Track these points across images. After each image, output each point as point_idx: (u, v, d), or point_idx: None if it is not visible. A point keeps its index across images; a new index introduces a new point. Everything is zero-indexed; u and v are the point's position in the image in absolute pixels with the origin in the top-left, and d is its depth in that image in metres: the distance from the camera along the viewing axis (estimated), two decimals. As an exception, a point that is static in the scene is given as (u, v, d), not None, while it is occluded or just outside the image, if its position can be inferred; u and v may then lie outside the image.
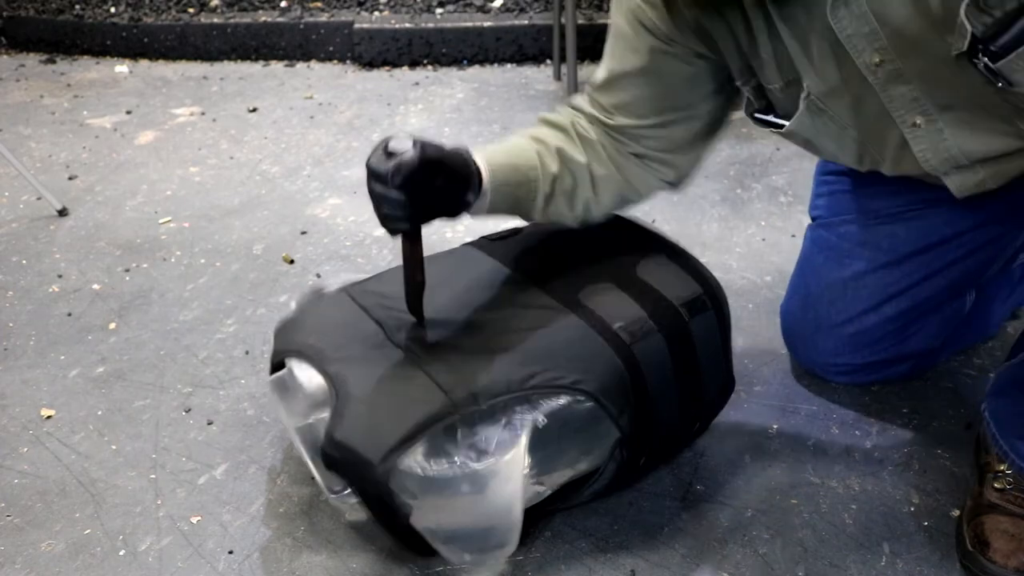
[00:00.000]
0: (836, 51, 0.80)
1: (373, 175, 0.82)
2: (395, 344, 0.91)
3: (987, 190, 0.90)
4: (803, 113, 0.88)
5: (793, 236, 1.53)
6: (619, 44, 0.94)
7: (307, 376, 0.92)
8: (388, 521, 0.87)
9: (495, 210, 0.93)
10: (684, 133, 0.97)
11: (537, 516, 0.93)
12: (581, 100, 1.00)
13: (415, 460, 0.80)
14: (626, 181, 0.98)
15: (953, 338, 1.14)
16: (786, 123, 0.90)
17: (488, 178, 0.89)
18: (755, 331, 1.27)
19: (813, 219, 1.16)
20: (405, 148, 0.81)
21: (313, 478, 1.00)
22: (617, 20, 0.94)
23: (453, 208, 0.88)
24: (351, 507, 0.96)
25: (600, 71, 0.97)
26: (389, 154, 0.81)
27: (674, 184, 1.02)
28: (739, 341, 1.24)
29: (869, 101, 0.83)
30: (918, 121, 0.83)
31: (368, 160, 0.83)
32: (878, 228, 1.06)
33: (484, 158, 0.90)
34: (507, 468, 0.81)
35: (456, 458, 0.81)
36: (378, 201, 0.83)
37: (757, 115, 0.94)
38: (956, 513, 0.94)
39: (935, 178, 0.91)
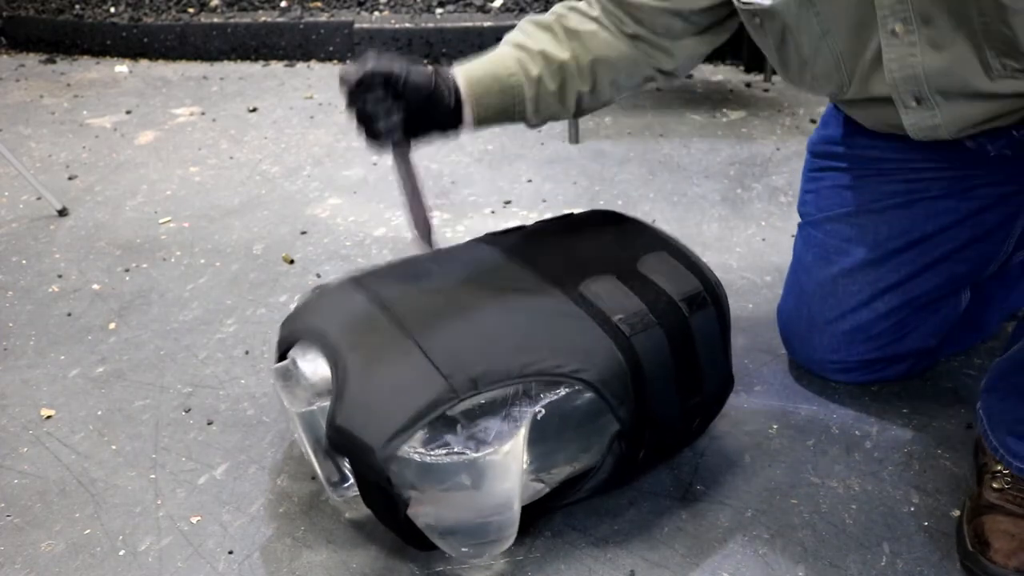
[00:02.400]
0: None
1: (343, 84, 0.89)
2: (396, 325, 0.91)
3: (941, 138, 0.92)
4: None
5: (793, 236, 1.53)
6: None
7: (310, 366, 0.92)
8: (387, 512, 0.88)
9: (485, 119, 0.97)
10: (685, 21, 0.98)
11: (536, 513, 0.93)
12: None
13: (414, 448, 0.81)
14: (619, 64, 1.00)
15: (951, 338, 1.14)
16: (772, 1, 0.91)
17: (466, 89, 0.94)
18: (755, 331, 1.27)
19: (801, 216, 1.16)
20: (366, 57, 0.90)
21: (314, 477, 1.00)
22: None
23: (435, 118, 0.93)
24: (350, 502, 0.96)
25: None
26: (359, 60, 0.89)
27: (667, 73, 1.04)
28: (739, 341, 1.24)
29: (856, 3, 0.85)
30: (897, 29, 0.84)
31: (339, 71, 0.90)
32: (863, 224, 1.07)
33: (462, 71, 0.95)
34: (505, 459, 0.81)
35: (455, 447, 0.81)
36: (349, 102, 0.90)
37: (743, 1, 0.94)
38: (956, 513, 0.94)
39: (895, 115, 0.92)
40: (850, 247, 1.07)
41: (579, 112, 1.04)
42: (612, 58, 1.00)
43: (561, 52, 0.97)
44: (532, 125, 1.03)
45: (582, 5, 1.01)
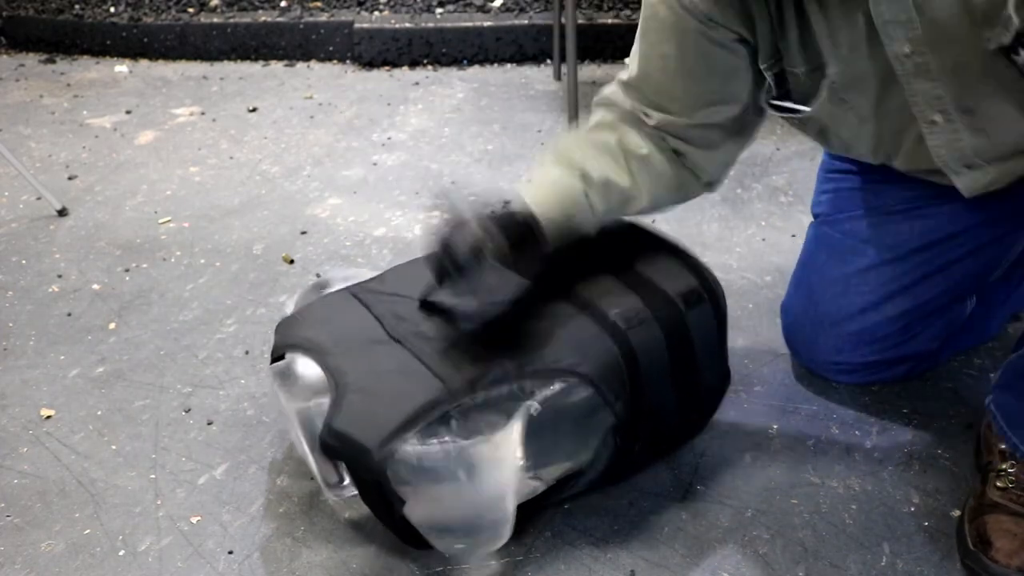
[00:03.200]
0: (868, 38, 0.81)
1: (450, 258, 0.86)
2: (394, 339, 0.92)
3: (995, 189, 0.90)
4: (824, 100, 0.88)
5: (793, 236, 1.53)
6: (653, 29, 0.92)
7: (307, 366, 0.93)
8: (383, 511, 0.88)
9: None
10: (717, 131, 0.96)
11: (534, 511, 0.93)
12: (618, 94, 0.97)
13: (409, 445, 0.81)
14: (673, 186, 0.99)
15: (953, 341, 1.14)
16: (806, 108, 0.90)
17: (546, 236, 0.92)
18: (755, 331, 1.27)
19: (815, 216, 1.16)
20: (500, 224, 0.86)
21: (312, 477, 1.00)
22: (653, 4, 0.91)
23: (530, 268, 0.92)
24: (349, 502, 0.96)
25: (631, 64, 0.96)
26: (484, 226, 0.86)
27: (710, 186, 1.02)
28: (739, 341, 1.24)
29: (892, 95, 0.84)
30: (937, 119, 0.84)
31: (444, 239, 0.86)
32: (883, 224, 1.06)
33: (537, 208, 0.91)
34: (499, 451, 0.81)
35: (448, 438, 0.81)
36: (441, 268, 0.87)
37: (775, 101, 0.93)
38: (956, 513, 0.94)
39: (944, 176, 0.91)
40: (866, 248, 1.07)
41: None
42: (666, 180, 0.98)
43: (623, 180, 0.95)
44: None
45: (631, 124, 0.97)
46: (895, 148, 0.91)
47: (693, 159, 0.98)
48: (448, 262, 0.85)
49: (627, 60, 0.98)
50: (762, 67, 0.91)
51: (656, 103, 0.94)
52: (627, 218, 1.10)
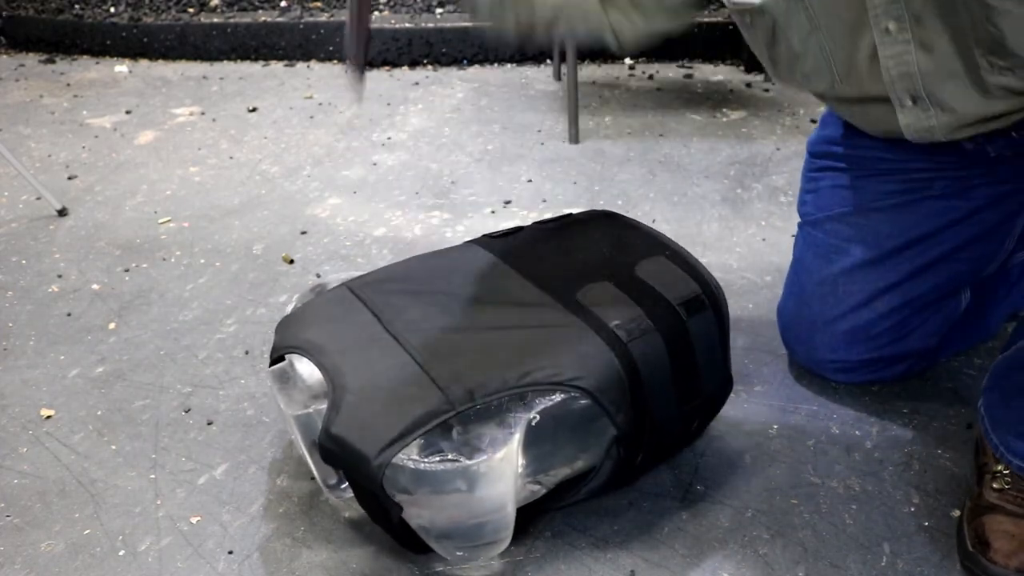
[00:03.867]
0: None
1: None
2: (392, 336, 0.91)
3: (936, 140, 0.92)
4: None
5: (793, 236, 1.53)
6: None
7: (307, 368, 0.93)
8: (382, 517, 0.88)
9: None
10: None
11: (534, 514, 0.93)
12: None
13: (409, 455, 0.81)
14: (582, 15, 0.98)
15: (951, 339, 1.14)
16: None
17: None
18: (755, 331, 1.27)
19: (801, 216, 1.16)
20: None
21: (313, 477, 1.00)
22: None
23: None
24: (349, 502, 0.96)
25: None
26: None
27: (618, 41, 1.01)
28: (739, 341, 1.24)
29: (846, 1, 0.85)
30: (891, 27, 0.85)
31: None
32: (863, 223, 1.07)
33: None
34: (500, 465, 0.81)
35: (450, 454, 0.81)
36: None
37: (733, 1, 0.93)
38: (957, 513, 0.94)
39: (890, 114, 0.92)
40: (850, 247, 1.07)
41: (527, 33, 0.99)
42: (581, 7, 0.97)
43: None
44: (476, 9, 0.98)
45: None
46: (844, 65, 0.91)
47: (621, 8, 0.97)
48: None
49: None
50: None
51: None
52: (626, 217, 1.11)
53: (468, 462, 0.80)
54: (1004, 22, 0.79)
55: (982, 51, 0.82)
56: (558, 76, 2.41)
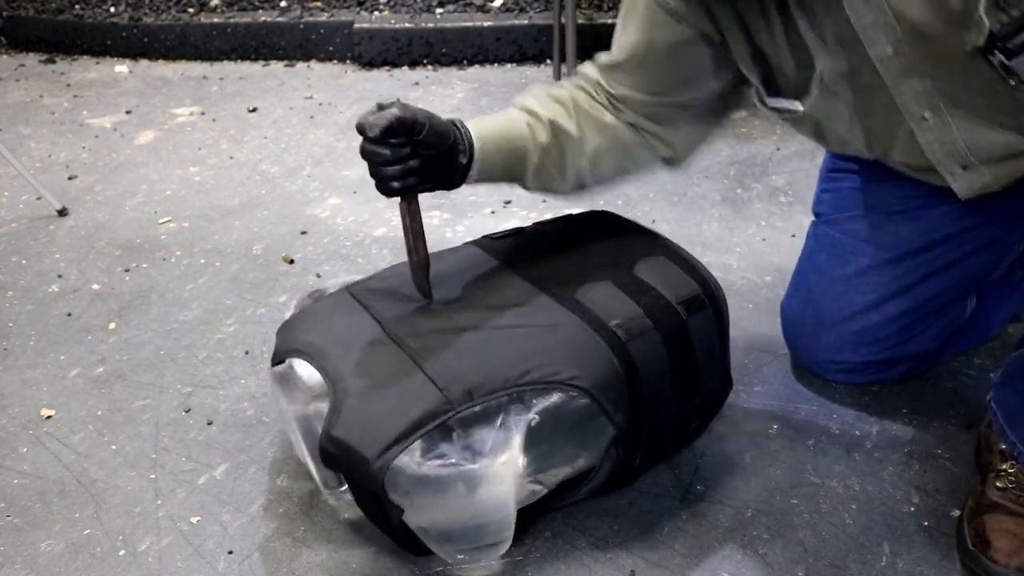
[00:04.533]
0: (851, 41, 0.81)
1: (363, 130, 0.86)
2: (392, 339, 0.91)
3: (991, 192, 0.90)
4: (816, 96, 0.88)
5: (793, 236, 1.53)
6: (629, 18, 0.95)
7: (307, 370, 0.93)
8: (382, 519, 0.88)
9: (487, 177, 0.96)
10: (681, 113, 0.98)
11: (534, 514, 0.93)
12: (588, 66, 1.01)
13: (410, 458, 0.81)
14: (622, 151, 1.00)
15: (953, 341, 1.14)
16: (798, 106, 0.91)
17: (478, 146, 0.92)
18: (755, 331, 1.27)
19: (816, 215, 1.16)
20: (391, 103, 0.86)
21: (313, 477, 1.00)
22: None
23: (446, 172, 0.91)
24: (347, 503, 0.96)
25: (614, 42, 0.99)
26: (379, 107, 0.86)
27: (669, 163, 1.03)
28: (739, 341, 1.24)
29: (880, 93, 0.84)
30: (927, 115, 0.84)
31: (359, 120, 0.87)
32: (882, 224, 1.06)
33: (474, 126, 0.93)
34: (501, 468, 0.81)
35: (451, 458, 0.81)
36: (372, 158, 0.87)
37: (769, 100, 0.94)
38: (956, 513, 0.94)
39: (941, 178, 0.91)
40: (868, 247, 1.07)
41: (578, 188, 1.02)
42: (617, 142, 0.99)
43: (570, 126, 0.97)
44: (528, 189, 1.02)
45: (591, 91, 1.00)
46: (890, 143, 0.91)
47: (651, 132, 0.99)
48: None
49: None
50: (743, 69, 0.92)
51: (621, 75, 0.97)
52: (625, 218, 1.11)
53: (469, 465, 0.80)
54: None
55: None
56: (558, 76, 2.41)
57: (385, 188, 0.89)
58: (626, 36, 0.96)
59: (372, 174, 0.89)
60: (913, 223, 1.04)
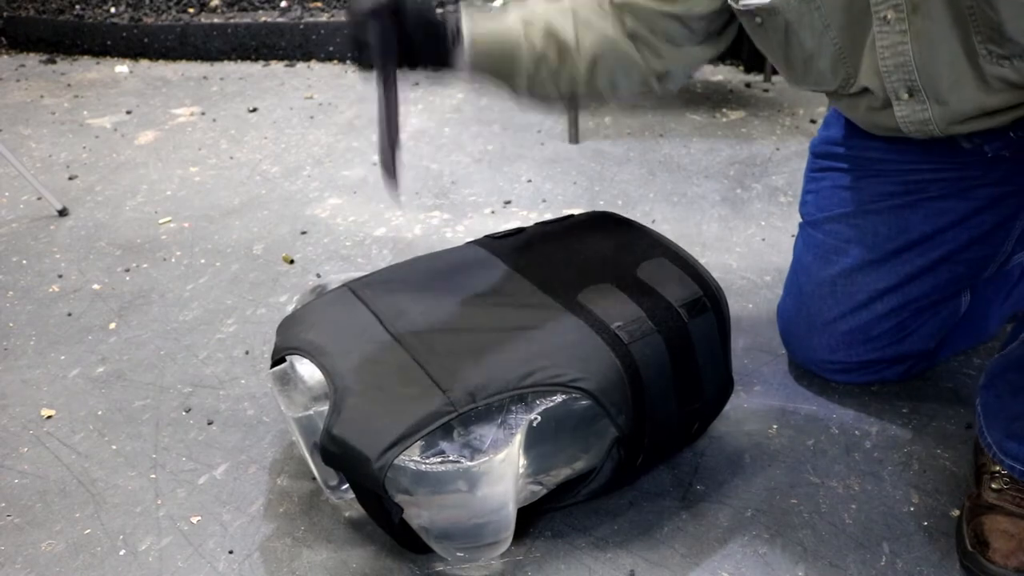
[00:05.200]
0: None
1: (351, 12, 0.89)
2: (393, 337, 0.91)
3: (933, 135, 0.92)
4: None
5: (793, 236, 1.53)
6: None
7: (308, 370, 0.93)
8: (382, 517, 0.88)
9: (479, 68, 0.97)
10: (680, 29, 0.98)
11: (535, 514, 0.93)
12: None
13: (410, 456, 0.81)
14: (618, 62, 1.00)
15: (951, 340, 1.14)
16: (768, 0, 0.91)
17: (468, 37, 0.94)
18: (755, 331, 1.27)
19: (802, 216, 1.16)
20: None
21: (314, 477, 1.00)
22: None
23: (434, 51, 0.95)
24: (348, 503, 0.97)
25: None
26: None
27: (661, 80, 1.03)
28: (739, 341, 1.24)
29: None
30: (889, 15, 0.85)
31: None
32: (862, 224, 1.07)
33: (466, 18, 0.95)
34: (501, 467, 0.81)
35: (451, 455, 0.81)
36: (352, 29, 0.90)
37: (742, 3, 0.94)
38: (956, 513, 0.94)
39: (892, 126, 0.93)
40: (849, 247, 1.07)
41: (571, 98, 1.03)
42: (613, 52, 0.99)
43: (566, 32, 0.97)
44: (520, 97, 1.02)
45: None
46: (855, 60, 0.92)
47: (649, 45, 0.99)
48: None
49: None
50: None
51: None
52: (627, 219, 1.11)
53: (469, 463, 0.80)
54: (1003, 6, 0.79)
55: (981, 38, 0.82)
56: (558, 76, 2.41)
57: (365, 56, 0.92)
58: None
59: (353, 48, 0.92)
60: (893, 222, 1.05)
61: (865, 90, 0.94)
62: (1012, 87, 0.85)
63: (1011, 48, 0.81)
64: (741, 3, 0.94)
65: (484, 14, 0.98)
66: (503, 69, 0.98)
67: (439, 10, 0.94)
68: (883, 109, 0.94)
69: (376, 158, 1.92)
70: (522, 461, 0.84)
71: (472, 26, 0.95)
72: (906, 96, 0.90)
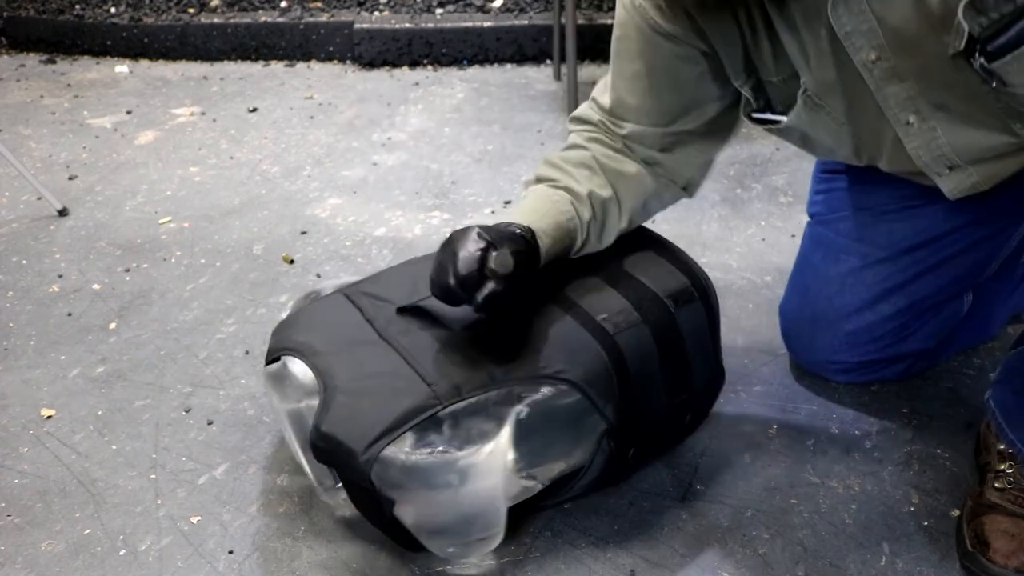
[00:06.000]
0: (834, 48, 0.81)
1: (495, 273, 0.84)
2: (384, 339, 0.92)
3: (979, 191, 0.91)
4: (800, 108, 0.89)
5: (793, 236, 1.53)
6: (624, 48, 0.95)
7: (300, 368, 0.93)
8: (373, 513, 0.88)
9: (544, 263, 0.94)
10: (688, 138, 0.98)
11: (530, 511, 0.93)
12: (587, 110, 1.02)
13: (400, 449, 0.81)
14: (650, 197, 1.00)
15: (952, 339, 1.14)
16: (784, 118, 0.91)
17: (544, 252, 0.91)
18: (755, 331, 1.27)
19: (811, 216, 1.16)
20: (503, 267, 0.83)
21: (306, 474, 1.00)
22: (621, 23, 0.95)
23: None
24: (344, 502, 0.97)
25: (607, 79, 0.99)
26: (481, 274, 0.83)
27: (687, 190, 1.04)
28: (739, 341, 1.24)
29: (865, 99, 0.84)
30: (911, 120, 0.84)
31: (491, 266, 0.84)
32: (874, 224, 1.07)
33: (534, 225, 0.91)
34: (489, 459, 0.82)
35: (439, 447, 0.82)
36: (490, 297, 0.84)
37: (754, 115, 0.94)
38: (956, 513, 0.94)
39: (929, 179, 0.91)
40: (859, 246, 1.07)
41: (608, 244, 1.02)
42: (644, 190, 1.00)
43: (604, 191, 0.96)
44: (572, 256, 1.01)
45: (603, 138, 0.99)
46: (877, 150, 0.92)
47: (666, 166, 0.99)
48: (451, 275, 0.83)
49: (601, 83, 1.01)
50: (736, 83, 0.92)
51: (626, 111, 0.97)
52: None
53: (457, 454, 0.81)
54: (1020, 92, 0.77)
55: (1019, 124, 0.81)
56: (558, 76, 2.41)
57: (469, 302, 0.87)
58: (624, 65, 0.96)
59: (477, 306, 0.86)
60: (905, 222, 1.05)
61: (904, 171, 0.94)
62: None
63: None
64: (755, 115, 0.94)
65: (534, 201, 0.95)
66: (563, 249, 0.95)
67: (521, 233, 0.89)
68: (925, 178, 0.93)
69: (375, 158, 1.92)
70: (513, 455, 0.84)
71: (539, 228, 0.91)
72: (947, 172, 0.89)
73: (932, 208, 1.02)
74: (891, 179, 1.01)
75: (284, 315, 1.04)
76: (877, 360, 1.10)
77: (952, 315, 1.11)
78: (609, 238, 1.00)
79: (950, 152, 0.86)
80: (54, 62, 2.78)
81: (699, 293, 0.96)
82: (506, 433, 0.83)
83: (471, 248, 0.83)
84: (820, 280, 1.10)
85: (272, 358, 0.97)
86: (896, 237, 1.05)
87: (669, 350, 0.93)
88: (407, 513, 0.85)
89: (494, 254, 0.83)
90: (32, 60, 2.81)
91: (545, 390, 0.85)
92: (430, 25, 2.58)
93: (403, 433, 0.82)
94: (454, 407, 0.83)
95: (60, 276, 1.52)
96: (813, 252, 1.13)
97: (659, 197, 1.02)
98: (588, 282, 0.95)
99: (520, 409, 0.84)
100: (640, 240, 1.03)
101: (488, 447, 0.81)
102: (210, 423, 1.14)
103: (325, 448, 0.84)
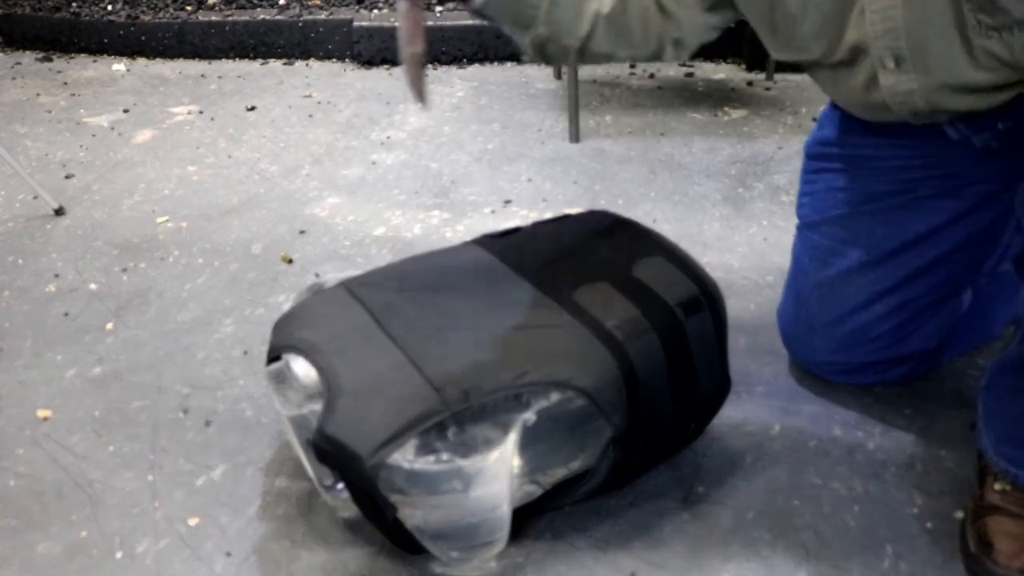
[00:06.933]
0: None
1: None
2: (388, 336, 0.91)
3: (918, 108, 0.90)
4: None
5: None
6: None
7: (303, 368, 0.92)
8: (376, 517, 0.87)
9: (491, 7, 0.93)
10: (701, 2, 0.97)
11: (532, 515, 0.93)
12: None
13: (404, 455, 0.81)
14: (638, 21, 0.98)
15: (954, 340, 1.13)
16: None
17: None
18: (757, 331, 1.27)
19: (799, 219, 1.16)
20: None
21: (309, 478, 1.00)
22: None
23: None
24: (346, 504, 0.96)
25: None
26: None
27: (676, 45, 1.02)
28: (741, 341, 1.23)
29: None
30: None
31: None
32: (857, 226, 1.06)
33: None
34: (495, 466, 0.81)
35: (444, 455, 0.81)
36: None
37: None
38: (960, 515, 0.94)
39: (880, 96, 0.91)
40: (846, 249, 1.07)
41: (583, 49, 0.99)
42: (637, 7, 0.98)
43: None
44: (532, 28, 0.98)
45: None
46: (839, 26, 0.90)
47: (670, 9, 0.98)
48: None
49: None
50: None
51: None
52: (625, 218, 1.10)
53: (463, 462, 0.80)
54: None
55: (971, 7, 0.81)
56: (558, 75, 2.41)
57: None
58: None
59: None
60: (887, 222, 1.05)
61: (847, 61, 0.93)
62: (998, 63, 0.83)
63: (1001, 18, 0.80)
64: None
65: None
66: (520, 18, 0.93)
67: None
68: (866, 83, 0.93)
69: (374, 157, 1.91)
70: (518, 461, 0.84)
71: None
72: (892, 65, 0.89)
73: (909, 208, 1.03)
74: (870, 174, 1.01)
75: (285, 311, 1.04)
76: (878, 361, 1.09)
77: (950, 314, 1.10)
78: (585, 22, 0.96)
79: (901, 28, 0.85)
80: (50, 60, 2.77)
81: (708, 302, 0.95)
82: (512, 440, 0.82)
83: None
84: (811, 283, 1.10)
85: (274, 355, 0.97)
86: (877, 239, 1.05)
87: (677, 359, 0.92)
88: (411, 518, 0.84)
89: None
90: (28, 58, 2.80)
91: (554, 396, 0.85)
92: (430, 23, 2.57)
93: (410, 439, 0.81)
94: (461, 412, 0.82)
95: (56, 276, 1.51)
96: (802, 256, 1.13)
97: (647, 30, 0.99)
98: (598, 288, 0.94)
99: (528, 416, 0.83)
100: (650, 246, 1.02)
101: (494, 454, 0.81)
102: (208, 424, 1.13)
103: (329, 451, 0.83)
